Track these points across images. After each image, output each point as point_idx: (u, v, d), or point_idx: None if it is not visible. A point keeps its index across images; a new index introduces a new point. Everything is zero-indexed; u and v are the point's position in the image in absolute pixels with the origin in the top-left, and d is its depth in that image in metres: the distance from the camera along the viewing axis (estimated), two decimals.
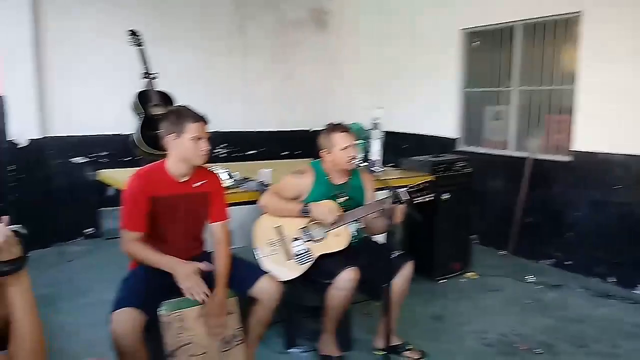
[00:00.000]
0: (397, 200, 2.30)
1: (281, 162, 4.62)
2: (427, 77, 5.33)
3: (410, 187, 2.52)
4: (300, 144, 5.92)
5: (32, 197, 4.59)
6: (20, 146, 4.50)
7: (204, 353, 2.24)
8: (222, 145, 5.45)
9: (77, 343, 2.90)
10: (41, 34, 4.56)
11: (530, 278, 4.09)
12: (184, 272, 2.18)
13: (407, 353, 2.82)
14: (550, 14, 4.31)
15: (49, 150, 4.71)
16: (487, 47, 4.93)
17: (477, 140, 5.06)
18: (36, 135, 4.57)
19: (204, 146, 2.25)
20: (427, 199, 2.49)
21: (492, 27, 4.80)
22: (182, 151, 2.25)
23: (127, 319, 2.01)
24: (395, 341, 2.74)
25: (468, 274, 4.15)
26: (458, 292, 3.84)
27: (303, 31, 6.23)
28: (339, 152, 2.68)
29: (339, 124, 2.75)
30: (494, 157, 4.83)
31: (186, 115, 2.25)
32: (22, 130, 4.49)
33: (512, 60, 4.69)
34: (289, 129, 6.06)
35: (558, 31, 4.35)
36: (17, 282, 1.26)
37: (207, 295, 2.20)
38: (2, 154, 4.47)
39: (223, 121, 4.97)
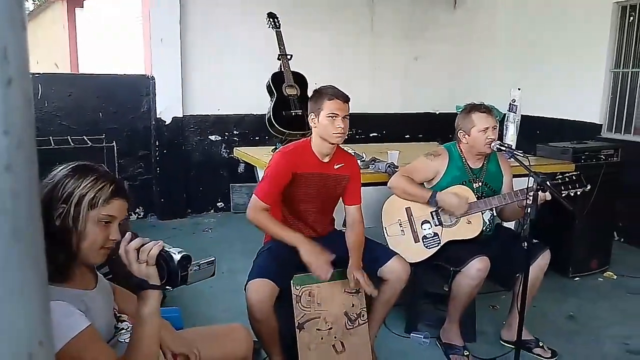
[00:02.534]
0: (540, 188, 2.15)
1: (406, 144, 4.56)
2: (570, 56, 4.89)
3: (559, 178, 2.35)
4: (424, 127, 5.79)
5: (172, 171, 5.00)
6: (165, 124, 4.91)
7: (330, 328, 2.31)
8: None
9: (214, 308, 3.11)
10: (186, 18, 4.90)
11: None
12: (309, 250, 2.18)
13: (537, 350, 2.67)
14: None
15: (189, 128, 5.09)
16: None
17: (627, 126, 4.56)
18: (178, 114, 4.96)
19: (340, 124, 2.25)
20: (579, 192, 2.31)
21: None
22: (320, 129, 2.29)
23: (261, 289, 2.11)
24: (526, 336, 2.59)
25: (606, 273, 3.80)
26: (594, 292, 3.53)
27: (434, 11, 6.03)
28: (477, 133, 2.55)
29: (479, 104, 2.62)
30: None
31: (324, 93, 2.28)
32: (167, 108, 4.90)
33: None
34: (414, 111, 5.93)
35: None
36: (140, 305, 1.28)
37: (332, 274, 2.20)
38: (151, 130, 4.92)
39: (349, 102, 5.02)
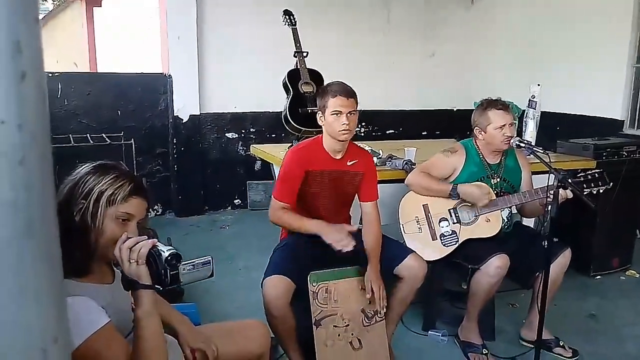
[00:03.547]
0: (562, 185, 2.11)
1: (423, 141, 4.52)
2: (590, 52, 4.79)
3: (581, 176, 2.30)
4: (441, 124, 5.74)
5: (189, 168, 5.04)
6: (183, 121, 4.94)
7: (347, 325, 2.30)
8: (361, 124, 5.50)
9: (229, 304, 3.13)
10: (203, 16, 4.93)
11: None
12: (331, 231, 2.18)
13: (558, 350, 2.62)
14: None
15: (206, 126, 5.12)
16: None
17: None
18: (195, 112, 4.98)
19: (344, 121, 2.21)
20: (601, 190, 2.26)
21: None
22: (327, 127, 2.27)
23: (278, 286, 2.11)
24: (546, 335, 2.55)
25: (628, 272, 3.72)
26: (616, 290, 3.46)
27: (449, 7, 5.97)
28: (493, 131, 2.51)
29: (496, 100, 2.57)
30: None
31: (328, 90, 2.26)
32: (184, 106, 4.93)
33: None
34: (431, 108, 5.88)
35: None
36: (136, 302, 1.26)
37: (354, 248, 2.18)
38: (168, 128, 4.96)
39: (363, 100, 4.98)
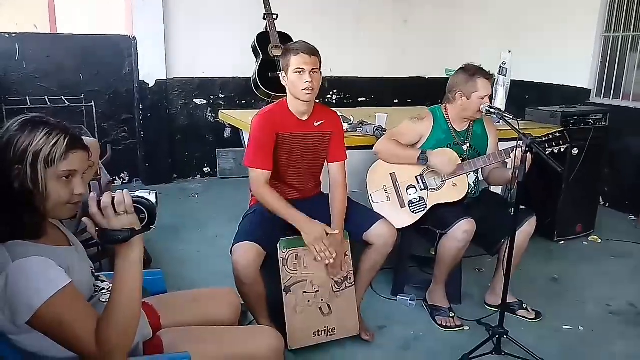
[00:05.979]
0: (529, 149, 2.12)
1: (394, 109, 4.50)
2: (561, 20, 4.81)
3: (543, 136, 2.32)
4: (412, 92, 5.72)
5: (157, 135, 4.92)
6: (149, 86, 4.79)
7: (317, 291, 2.30)
8: (332, 91, 5.44)
9: (198, 271, 3.10)
10: None
11: None
12: (313, 234, 2.18)
13: (521, 312, 2.70)
14: None
15: (173, 91, 4.97)
16: None
17: (615, 91, 4.54)
18: (162, 76, 4.83)
19: (307, 79, 2.15)
20: (562, 149, 2.28)
21: None
22: (290, 87, 2.22)
23: (248, 253, 2.09)
24: (510, 298, 2.61)
25: (591, 237, 3.84)
26: (579, 255, 3.58)
27: None
28: (476, 99, 2.48)
29: (481, 68, 2.53)
30: (636, 111, 4.30)
31: (290, 48, 2.20)
32: (150, 71, 4.77)
33: None
34: (403, 76, 5.84)
35: None
36: (123, 254, 1.20)
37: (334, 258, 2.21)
38: (134, 93, 4.80)
39: (335, 66, 4.93)
